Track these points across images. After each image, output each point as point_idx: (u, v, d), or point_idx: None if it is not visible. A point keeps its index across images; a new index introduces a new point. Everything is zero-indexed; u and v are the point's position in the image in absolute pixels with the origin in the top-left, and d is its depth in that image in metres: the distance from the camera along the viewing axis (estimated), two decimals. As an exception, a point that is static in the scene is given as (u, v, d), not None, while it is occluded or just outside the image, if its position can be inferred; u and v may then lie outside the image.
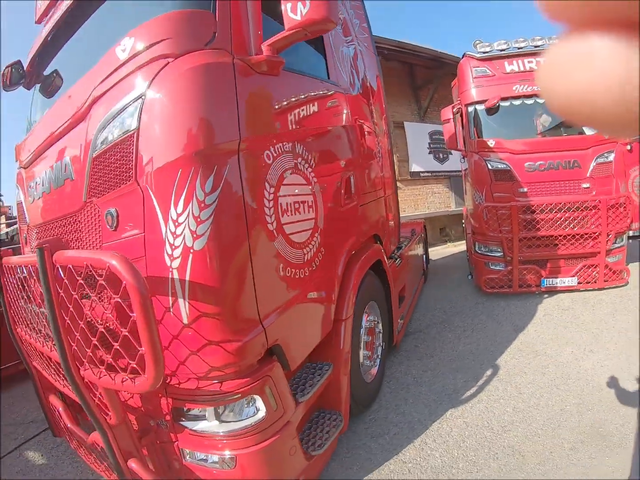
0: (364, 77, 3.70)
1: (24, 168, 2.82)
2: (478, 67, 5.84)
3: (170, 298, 1.66)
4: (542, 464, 2.43)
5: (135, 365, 1.49)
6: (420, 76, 11.94)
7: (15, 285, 2.36)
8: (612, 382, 3.13)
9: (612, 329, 4.29)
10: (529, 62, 5.69)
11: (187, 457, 1.98)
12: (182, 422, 1.95)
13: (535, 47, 5.67)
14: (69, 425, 2.45)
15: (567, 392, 3.19)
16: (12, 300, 2.48)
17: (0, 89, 2.97)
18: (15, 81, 2.88)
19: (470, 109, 5.93)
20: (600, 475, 2.27)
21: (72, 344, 1.67)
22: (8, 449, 3.39)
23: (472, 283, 6.62)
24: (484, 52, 5.83)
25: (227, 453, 1.86)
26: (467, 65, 5.95)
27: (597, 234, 5.26)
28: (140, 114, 1.68)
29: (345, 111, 2.96)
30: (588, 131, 5.53)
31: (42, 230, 2.48)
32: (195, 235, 1.60)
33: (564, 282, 5.50)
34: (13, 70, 2.84)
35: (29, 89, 3.06)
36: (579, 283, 5.47)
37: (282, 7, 1.74)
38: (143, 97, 1.69)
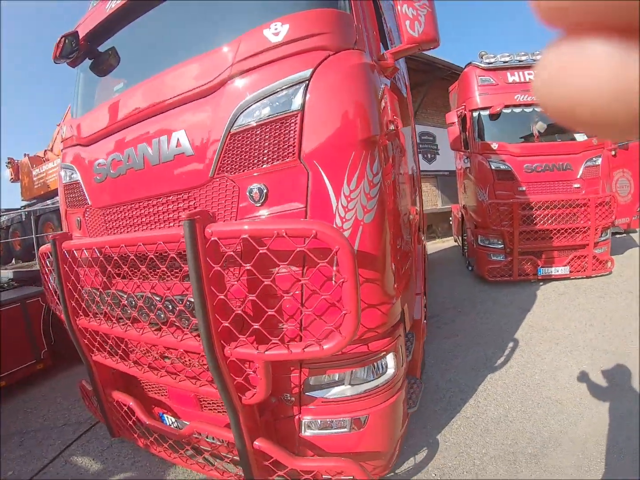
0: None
1: (85, 146, 2.72)
2: (483, 76, 6.54)
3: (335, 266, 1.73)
4: (578, 406, 3.05)
5: (300, 334, 1.85)
6: (412, 79, 12.59)
7: (76, 273, 2.38)
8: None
9: (605, 308, 5.06)
10: (529, 74, 6.45)
11: (307, 429, 2.15)
12: (311, 393, 2.11)
13: (535, 60, 6.42)
14: (146, 422, 2.47)
15: (581, 356, 3.87)
16: (72, 290, 2.44)
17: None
18: (65, 54, 2.85)
19: (475, 114, 6.62)
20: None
21: (222, 321, 1.76)
22: (47, 457, 3.25)
23: (470, 274, 7.33)
24: (489, 63, 6.53)
25: (360, 413, 2.08)
26: (472, 74, 6.63)
27: (586, 228, 6.07)
28: (305, 96, 1.81)
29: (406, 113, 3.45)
30: (579, 137, 6.38)
31: (131, 208, 2.39)
32: (365, 210, 1.84)
33: (558, 271, 6.32)
34: (67, 41, 2.80)
35: (73, 66, 3.03)
36: (570, 272, 6.30)
37: (402, 24, 2.09)
38: (307, 81, 1.82)
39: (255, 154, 1.89)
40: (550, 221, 6.13)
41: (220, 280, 1.79)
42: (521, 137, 6.60)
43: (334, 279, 1.79)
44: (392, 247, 2.06)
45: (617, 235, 7.76)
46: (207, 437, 2.39)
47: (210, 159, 1.98)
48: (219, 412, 2.35)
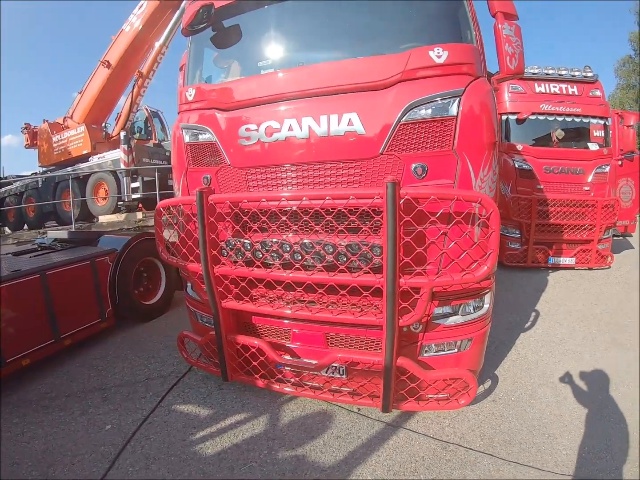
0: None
1: (226, 110, 3.08)
2: (514, 84, 7.46)
3: (468, 225, 2.56)
4: (592, 355, 4.05)
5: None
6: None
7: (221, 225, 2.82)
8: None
9: (606, 293, 6.17)
10: (553, 86, 7.51)
11: (425, 353, 2.90)
12: (436, 321, 2.83)
13: (560, 75, 7.51)
14: (279, 359, 3.01)
15: (590, 325, 4.93)
16: (214, 239, 2.89)
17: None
18: (196, 22, 3.26)
19: (504, 117, 7.54)
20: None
21: (404, 257, 2.44)
22: (145, 408, 3.41)
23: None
24: (521, 73, 7.52)
25: (469, 336, 2.89)
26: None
27: (592, 226, 7.18)
28: (461, 106, 2.53)
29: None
30: (592, 146, 7.44)
31: (285, 170, 2.87)
32: (490, 189, 2.68)
33: (565, 261, 7.46)
34: (201, 11, 3.18)
35: (187, 35, 3.48)
36: (576, 262, 7.43)
37: (504, 58, 2.87)
38: (460, 96, 2.54)
39: (420, 141, 2.60)
40: (562, 217, 7.20)
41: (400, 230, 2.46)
42: (542, 141, 7.64)
43: (477, 233, 2.62)
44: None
45: (615, 238, 8.91)
46: (324, 372, 3.03)
47: (380, 139, 2.62)
48: (344, 346, 3.02)
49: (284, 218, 2.71)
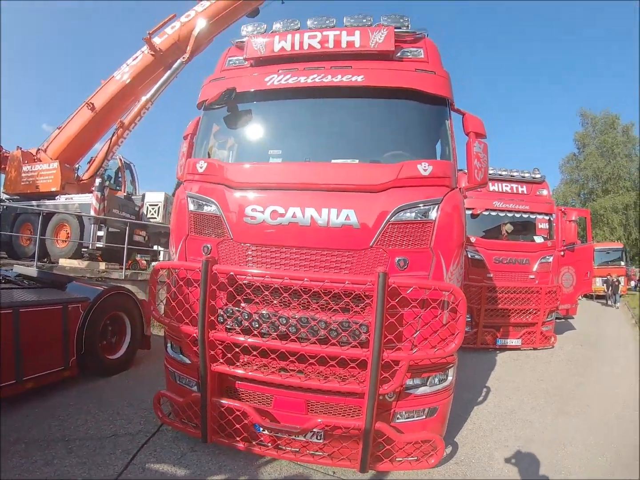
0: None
1: (234, 188, 3.46)
2: (471, 184, 8.68)
3: (440, 309, 3.11)
4: (540, 422, 4.57)
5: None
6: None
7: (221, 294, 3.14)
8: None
9: (551, 370, 7.03)
10: (505, 186, 8.86)
11: (397, 419, 3.26)
12: (408, 391, 3.26)
13: (511, 176, 8.87)
14: (263, 422, 3.24)
15: (537, 397, 5.65)
16: (213, 306, 3.20)
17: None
18: (218, 103, 3.78)
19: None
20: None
21: (388, 334, 2.88)
22: (116, 464, 3.39)
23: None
24: (476, 174, 8.74)
25: (435, 405, 3.31)
26: (462, 180, 8.71)
27: (536, 310, 8.12)
28: (438, 213, 3.13)
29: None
30: (537, 239, 8.58)
31: (285, 251, 3.26)
32: (457, 280, 3.29)
33: (512, 342, 8.34)
34: (225, 94, 3.72)
35: (231, 125, 3.99)
36: (522, 343, 8.29)
37: (472, 171, 3.64)
38: (438, 204, 3.15)
39: (404, 238, 3.16)
40: (509, 302, 8.12)
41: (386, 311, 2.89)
42: (493, 234, 8.85)
43: (446, 316, 3.16)
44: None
45: (557, 320, 10.03)
46: (302, 437, 3.27)
47: (371, 234, 3.13)
48: (323, 413, 3.29)
49: (285, 295, 3.10)
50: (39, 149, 12.76)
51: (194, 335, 3.28)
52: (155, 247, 13.13)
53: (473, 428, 4.58)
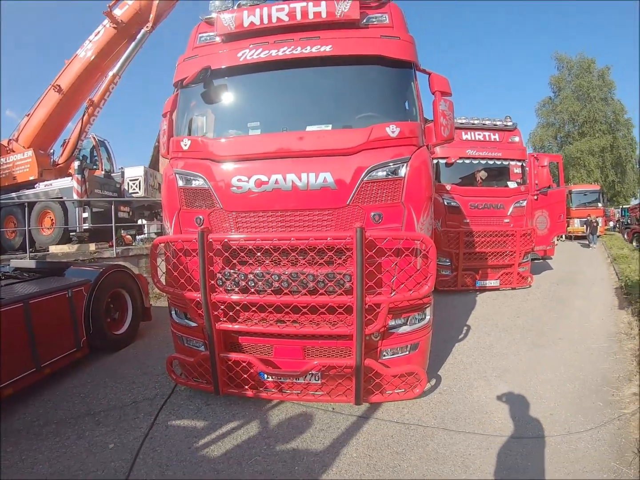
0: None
1: (219, 162, 3.77)
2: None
3: (413, 256, 3.53)
4: (516, 354, 5.17)
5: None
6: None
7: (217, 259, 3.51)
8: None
9: (527, 308, 7.68)
10: (478, 134, 9.23)
11: (383, 356, 3.76)
12: (391, 331, 3.74)
13: (483, 124, 9.23)
14: (268, 369, 3.72)
15: (514, 333, 6.24)
16: (212, 271, 3.60)
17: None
18: (195, 82, 4.00)
19: (435, 161, 8.93)
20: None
21: (368, 281, 3.32)
22: (142, 426, 3.77)
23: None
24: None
25: (416, 341, 3.82)
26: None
27: (512, 252, 8.74)
28: (407, 170, 3.50)
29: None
30: (511, 185, 9.06)
31: (270, 215, 3.65)
32: (428, 230, 3.66)
33: (491, 283, 9.00)
34: (201, 73, 3.93)
35: (208, 101, 4.21)
36: (500, 284, 8.96)
37: (439, 128, 3.90)
38: (406, 162, 3.52)
39: (377, 195, 3.55)
40: (486, 246, 8.71)
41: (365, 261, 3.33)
42: (467, 181, 9.31)
43: (419, 262, 3.60)
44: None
45: (536, 261, 10.77)
46: (298, 379, 3.78)
47: (347, 193, 3.52)
48: (318, 356, 3.77)
49: (275, 254, 3.52)
50: (10, 140, 12.57)
51: (198, 299, 3.67)
52: (139, 222, 13.25)
53: (454, 362, 5.15)
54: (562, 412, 3.89)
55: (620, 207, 34.33)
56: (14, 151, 12.34)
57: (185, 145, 3.99)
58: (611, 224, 32.65)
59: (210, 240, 3.60)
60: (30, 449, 3.54)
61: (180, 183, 3.94)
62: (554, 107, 39.85)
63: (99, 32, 12.00)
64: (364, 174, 3.54)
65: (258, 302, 3.60)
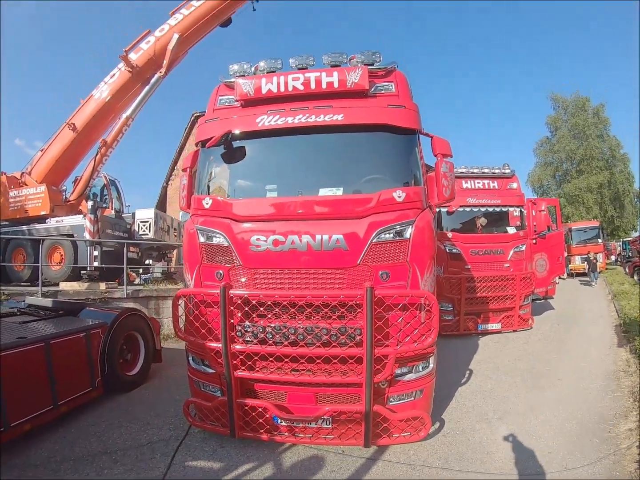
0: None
1: (239, 222, 4.12)
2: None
3: (417, 311, 3.87)
4: (517, 397, 5.45)
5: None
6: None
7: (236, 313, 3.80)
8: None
9: (528, 350, 8.01)
10: (477, 182, 9.80)
11: (390, 402, 4.02)
12: (397, 378, 4.00)
13: (483, 173, 9.80)
14: (282, 414, 3.96)
15: (515, 375, 6.50)
16: (232, 323, 3.91)
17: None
18: (218, 144, 4.35)
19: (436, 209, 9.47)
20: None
21: (377, 335, 3.69)
22: (159, 467, 3.95)
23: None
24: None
25: (421, 388, 4.08)
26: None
27: (513, 295, 9.12)
28: (412, 232, 3.85)
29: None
30: (510, 230, 9.57)
31: (287, 273, 3.97)
32: (431, 286, 4.01)
33: (493, 327, 9.36)
34: (223, 137, 4.31)
35: (228, 161, 4.60)
36: (502, 327, 9.31)
37: (440, 189, 4.36)
38: (411, 224, 3.87)
39: (385, 255, 3.91)
40: (487, 290, 9.14)
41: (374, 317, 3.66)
42: (468, 228, 9.85)
43: (423, 316, 3.93)
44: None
45: (537, 302, 11.21)
46: (310, 424, 4.00)
47: (358, 254, 3.87)
48: (330, 402, 4.02)
49: (292, 310, 3.87)
50: (23, 173, 13.00)
51: (218, 348, 3.96)
52: (146, 262, 13.64)
53: (457, 406, 5.44)
54: (560, 450, 4.18)
55: (621, 240, 34.94)
56: (26, 184, 12.76)
57: (207, 203, 4.36)
58: (612, 257, 33.06)
59: (232, 295, 3.93)
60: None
61: (202, 239, 4.27)
62: (551, 147, 41.00)
63: (114, 74, 12.69)
64: (373, 235, 3.90)
65: (275, 353, 3.88)
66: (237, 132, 4.47)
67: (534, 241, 10.54)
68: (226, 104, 4.74)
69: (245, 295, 3.97)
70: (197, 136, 4.78)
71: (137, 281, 11.93)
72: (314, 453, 4.24)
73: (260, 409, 4.08)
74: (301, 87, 4.42)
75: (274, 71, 4.66)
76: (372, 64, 4.54)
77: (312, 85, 4.40)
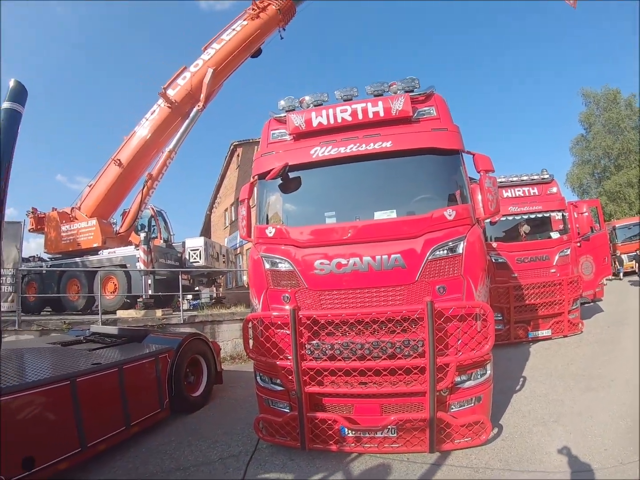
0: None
1: (302, 248, 4.45)
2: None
3: (474, 321, 4.18)
4: (572, 401, 5.57)
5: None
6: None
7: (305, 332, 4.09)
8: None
9: (579, 354, 8.03)
10: (517, 190, 9.99)
11: (451, 409, 4.22)
12: (458, 386, 4.23)
13: (522, 180, 10.01)
14: (352, 426, 4.23)
15: (567, 380, 6.57)
16: (302, 342, 4.19)
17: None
18: (277, 177, 4.67)
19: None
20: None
21: (438, 345, 3.94)
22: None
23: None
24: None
25: (479, 394, 4.27)
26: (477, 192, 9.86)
27: (561, 300, 9.18)
28: (464, 247, 4.15)
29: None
30: (554, 235, 9.68)
31: (351, 293, 4.29)
32: (485, 297, 4.31)
33: (543, 333, 9.38)
34: (282, 170, 4.61)
35: (285, 191, 4.92)
36: (552, 333, 9.33)
37: (486, 204, 4.63)
38: (463, 240, 4.16)
39: (440, 270, 4.21)
40: (535, 297, 9.24)
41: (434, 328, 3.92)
42: (511, 236, 10.06)
43: (479, 325, 4.19)
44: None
45: (586, 305, 11.14)
46: (377, 433, 4.25)
47: (415, 271, 4.18)
48: (394, 412, 4.26)
49: (359, 327, 4.19)
50: (73, 208, 14.09)
51: (288, 366, 4.28)
52: (196, 288, 14.33)
53: (513, 411, 5.60)
54: (615, 447, 4.30)
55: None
56: (76, 219, 13.78)
57: (270, 232, 4.72)
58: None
59: (301, 316, 4.23)
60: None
61: (267, 265, 4.59)
62: (587, 144, 40.03)
63: (154, 110, 13.63)
64: (428, 253, 4.21)
65: (344, 368, 4.16)
66: (294, 163, 4.80)
67: (579, 244, 10.57)
68: (279, 138, 5.14)
69: (314, 316, 4.25)
70: (255, 169, 5.14)
71: (184, 306, 12.48)
72: (380, 461, 4.41)
73: (329, 422, 4.33)
74: (349, 118, 4.79)
75: (321, 104, 5.05)
76: (412, 90, 4.89)
77: (360, 116, 4.76)
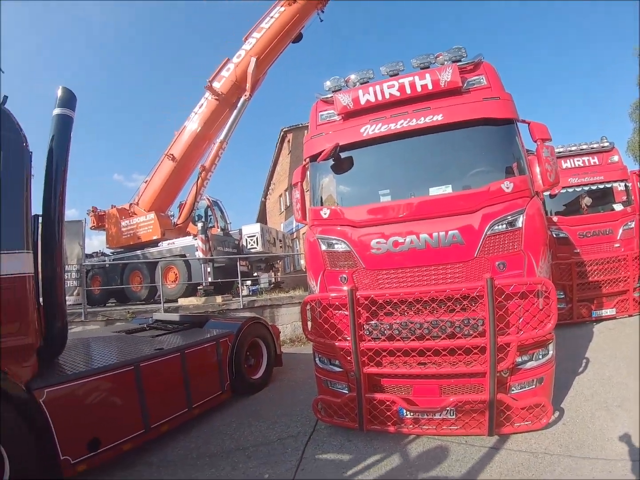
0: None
1: (358, 227, 4.45)
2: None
3: (536, 298, 3.96)
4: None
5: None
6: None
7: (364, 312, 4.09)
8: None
9: None
10: (577, 160, 9.44)
11: (512, 390, 4.12)
12: (519, 367, 4.11)
13: (581, 149, 9.45)
14: (411, 407, 4.22)
15: (633, 363, 6.19)
16: (360, 323, 4.20)
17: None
18: (329, 157, 4.61)
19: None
20: None
21: (499, 324, 3.83)
22: (291, 460, 4.20)
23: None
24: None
25: (541, 375, 4.11)
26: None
27: (626, 277, 8.69)
28: (523, 220, 3.97)
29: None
30: (617, 207, 9.13)
31: (409, 271, 4.23)
32: (547, 273, 4.07)
33: (607, 312, 8.93)
34: (333, 150, 4.58)
35: (337, 172, 4.90)
36: (616, 312, 8.87)
37: (545, 174, 4.33)
38: (522, 213, 3.98)
39: (500, 246, 4.05)
40: (599, 274, 8.78)
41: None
42: (573, 208, 9.49)
43: (541, 303, 4.06)
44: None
45: None
46: (435, 415, 4.25)
47: (474, 247, 4.06)
48: (453, 393, 4.22)
49: (418, 306, 4.11)
50: (131, 204, 14.88)
51: (347, 347, 4.28)
52: (254, 274, 14.81)
53: (575, 395, 5.45)
54: None
55: None
56: (135, 214, 14.57)
57: (325, 214, 4.73)
58: None
59: (358, 296, 4.25)
60: (189, 477, 4.14)
61: (324, 247, 4.61)
62: (647, 108, 36.63)
63: (202, 104, 14.02)
64: (487, 228, 4.09)
65: (403, 348, 4.16)
66: (344, 143, 4.76)
67: None
68: (327, 119, 5.11)
69: (372, 296, 4.28)
70: (306, 152, 5.16)
71: (244, 292, 12.96)
72: (438, 444, 4.39)
73: (387, 403, 4.35)
74: (397, 93, 4.71)
75: (367, 81, 4.97)
76: (459, 60, 4.72)
77: (408, 90, 4.68)
